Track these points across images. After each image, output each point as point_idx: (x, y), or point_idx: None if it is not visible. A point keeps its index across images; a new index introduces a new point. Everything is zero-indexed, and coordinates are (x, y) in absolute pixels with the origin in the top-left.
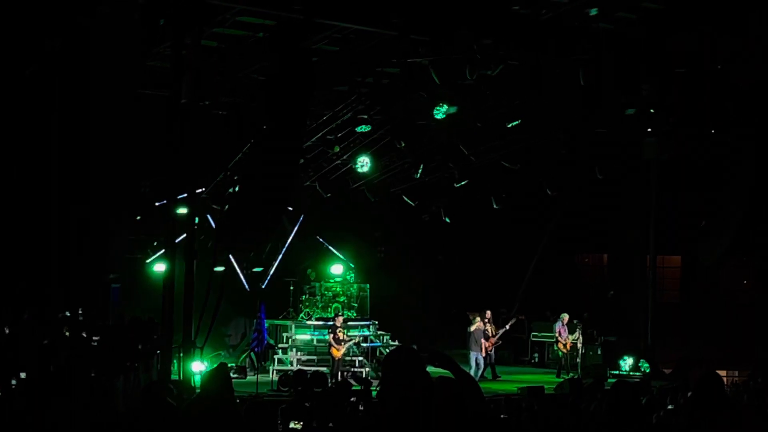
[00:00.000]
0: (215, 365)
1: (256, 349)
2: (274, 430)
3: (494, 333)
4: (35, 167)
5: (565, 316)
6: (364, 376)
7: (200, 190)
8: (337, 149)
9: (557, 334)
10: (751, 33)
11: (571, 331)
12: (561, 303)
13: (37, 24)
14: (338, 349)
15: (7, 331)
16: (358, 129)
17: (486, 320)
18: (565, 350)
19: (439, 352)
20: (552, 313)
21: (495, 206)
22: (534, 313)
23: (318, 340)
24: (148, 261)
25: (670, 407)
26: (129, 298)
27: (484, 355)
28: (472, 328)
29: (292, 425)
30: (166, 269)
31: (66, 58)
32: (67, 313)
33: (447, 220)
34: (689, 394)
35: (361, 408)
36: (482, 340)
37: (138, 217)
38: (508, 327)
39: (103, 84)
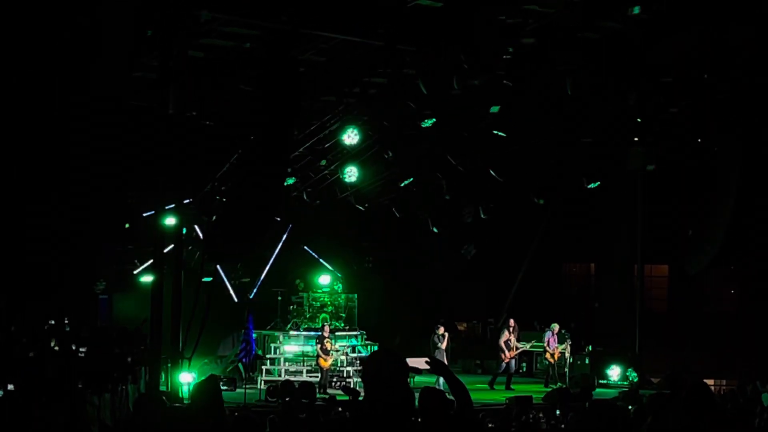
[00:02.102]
0: (205, 377)
1: (243, 360)
2: None
3: (516, 345)
4: (28, 174)
5: (555, 327)
6: (352, 386)
7: (188, 201)
8: (324, 162)
9: (546, 344)
10: (735, 41)
11: (560, 341)
12: (548, 313)
13: (38, 25)
14: (326, 360)
15: None
16: (344, 140)
17: (510, 328)
18: (552, 360)
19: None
20: (540, 324)
21: (482, 216)
22: (521, 323)
23: (306, 351)
24: (135, 272)
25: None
26: (117, 309)
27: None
28: (443, 344)
29: None
30: (154, 280)
31: (65, 61)
32: (52, 322)
33: (435, 230)
34: (679, 403)
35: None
36: (505, 350)
37: (127, 225)
38: (528, 347)
39: (93, 92)
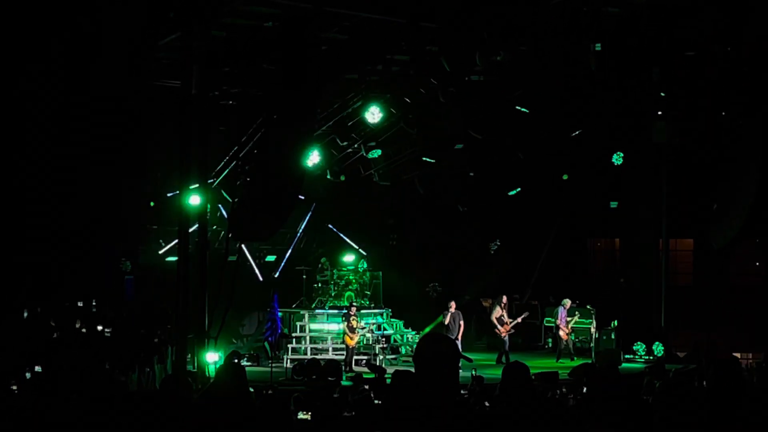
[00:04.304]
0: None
1: (269, 339)
2: (289, 421)
3: (509, 320)
4: (44, 160)
5: (567, 302)
6: (378, 364)
7: (211, 180)
8: (345, 143)
9: (558, 320)
10: (758, 14)
11: (570, 316)
12: (573, 289)
13: (38, 22)
14: (352, 338)
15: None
16: (367, 118)
17: (502, 304)
18: (565, 336)
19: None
20: (555, 299)
21: (510, 194)
22: (546, 299)
23: (331, 329)
24: (161, 252)
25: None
26: (142, 289)
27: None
28: (446, 320)
29: (300, 416)
30: (179, 260)
31: (70, 54)
32: (80, 304)
33: (461, 208)
34: (707, 377)
35: (373, 397)
36: (498, 326)
37: (152, 203)
38: (520, 320)
39: (111, 75)
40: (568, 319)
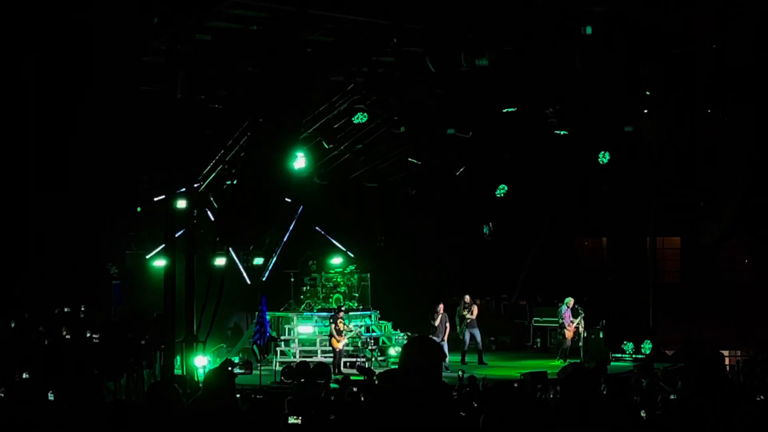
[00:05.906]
0: (218, 362)
1: (258, 342)
2: (276, 427)
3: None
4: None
5: (570, 301)
6: (366, 366)
7: (198, 184)
8: (330, 146)
9: (561, 319)
10: (746, 11)
11: (574, 316)
12: (562, 288)
13: (31, 20)
14: (338, 340)
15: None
16: (355, 119)
17: (464, 303)
18: (570, 335)
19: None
20: (542, 299)
21: (497, 195)
22: (534, 299)
23: (320, 332)
24: (148, 256)
25: (672, 396)
26: (130, 294)
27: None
28: (437, 322)
29: (291, 420)
30: (166, 264)
31: (60, 55)
32: (66, 309)
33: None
34: (694, 374)
35: (362, 398)
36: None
37: (138, 209)
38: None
39: (101, 80)
40: (572, 319)
